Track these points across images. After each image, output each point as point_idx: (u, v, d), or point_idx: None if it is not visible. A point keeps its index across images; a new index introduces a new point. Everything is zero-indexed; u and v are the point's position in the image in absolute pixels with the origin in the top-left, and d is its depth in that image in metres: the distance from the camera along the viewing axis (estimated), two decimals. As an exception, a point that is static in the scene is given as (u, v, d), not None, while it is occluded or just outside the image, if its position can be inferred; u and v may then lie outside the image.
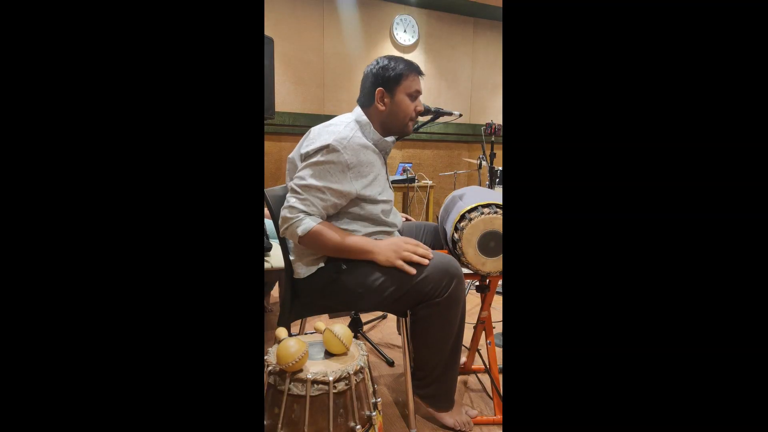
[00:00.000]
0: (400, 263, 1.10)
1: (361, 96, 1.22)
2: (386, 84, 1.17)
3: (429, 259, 1.11)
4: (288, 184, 1.17)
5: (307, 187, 1.08)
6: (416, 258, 1.10)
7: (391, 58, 1.19)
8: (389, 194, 1.25)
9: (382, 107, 1.19)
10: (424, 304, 1.12)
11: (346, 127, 1.15)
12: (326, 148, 1.08)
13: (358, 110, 1.22)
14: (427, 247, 1.13)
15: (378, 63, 1.19)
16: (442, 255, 1.16)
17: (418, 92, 1.21)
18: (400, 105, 1.19)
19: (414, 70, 1.19)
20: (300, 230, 1.07)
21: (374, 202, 1.18)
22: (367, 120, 1.19)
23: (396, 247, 1.11)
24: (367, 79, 1.20)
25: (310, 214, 1.09)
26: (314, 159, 1.09)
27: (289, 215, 1.09)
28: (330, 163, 1.08)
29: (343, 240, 1.11)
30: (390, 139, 1.25)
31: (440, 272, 1.11)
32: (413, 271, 1.10)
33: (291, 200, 1.10)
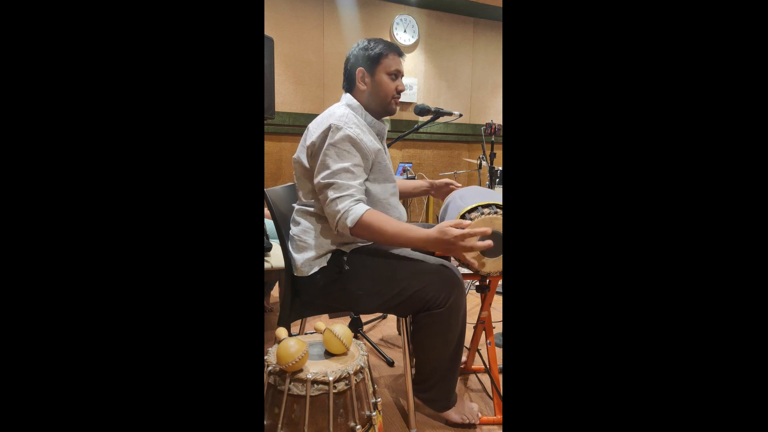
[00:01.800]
0: (461, 255, 1.07)
1: (344, 81, 1.24)
2: (366, 64, 1.18)
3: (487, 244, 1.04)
4: (315, 182, 1.13)
5: (335, 174, 1.08)
6: (469, 260, 1.07)
7: (370, 39, 1.20)
8: (394, 177, 1.25)
9: (363, 87, 1.20)
10: (424, 312, 1.12)
11: (339, 108, 1.17)
12: (329, 130, 1.09)
13: (346, 96, 1.23)
14: (483, 231, 1.03)
15: (358, 45, 1.21)
16: (444, 263, 1.15)
17: (399, 72, 1.21)
18: (381, 84, 1.19)
19: (393, 50, 1.20)
20: (350, 221, 1.05)
21: (382, 179, 1.19)
22: (357, 103, 1.20)
23: (452, 249, 1.05)
24: (348, 61, 1.22)
25: (354, 198, 1.07)
26: (324, 147, 1.09)
27: (335, 208, 1.07)
28: (339, 141, 1.08)
29: (395, 231, 1.06)
30: (383, 125, 1.25)
31: (442, 282, 1.11)
32: (474, 263, 1.08)
33: (329, 194, 1.07)
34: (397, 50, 1.21)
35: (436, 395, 1.22)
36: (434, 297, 1.10)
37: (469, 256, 1.08)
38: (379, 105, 1.21)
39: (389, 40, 3.88)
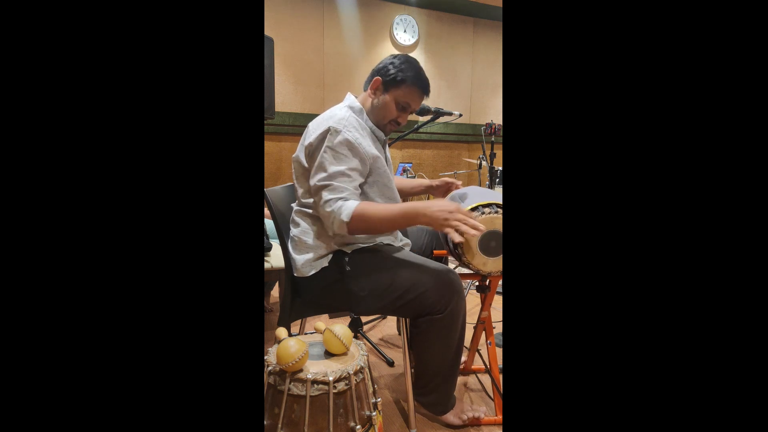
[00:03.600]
0: (448, 229, 1.01)
1: (366, 80, 1.23)
2: (386, 78, 1.17)
3: (479, 230, 1.01)
4: (311, 184, 1.13)
5: (331, 176, 1.07)
6: (464, 228, 1.00)
7: (407, 62, 1.18)
8: (397, 195, 1.24)
9: (371, 96, 1.20)
10: (425, 317, 1.12)
11: (340, 110, 1.17)
12: (328, 132, 1.09)
13: (350, 97, 1.22)
14: (476, 222, 1.02)
15: (394, 57, 1.19)
16: (445, 269, 1.14)
17: (409, 106, 1.19)
18: (384, 105, 1.18)
19: (418, 85, 1.17)
20: (344, 216, 1.04)
21: (389, 195, 1.19)
22: (360, 106, 1.20)
23: (447, 214, 1.02)
24: (378, 65, 1.21)
25: (346, 199, 1.07)
26: (322, 149, 1.09)
27: (328, 209, 1.06)
28: (337, 145, 1.08)
29: (390, 211, 1.06)
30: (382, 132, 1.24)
31: (442, 287, 1.11)
32: (459, 238, 1.01)
33: (324, 196, 1.07)
34: (423, 87, 1.18)
35: (435, 399, 1.22)
36: (434, 302, 1.10)
37: (469, 255, 1.08)
38: (375, 120, 1.21)
39: (389, 40, 3.90)
